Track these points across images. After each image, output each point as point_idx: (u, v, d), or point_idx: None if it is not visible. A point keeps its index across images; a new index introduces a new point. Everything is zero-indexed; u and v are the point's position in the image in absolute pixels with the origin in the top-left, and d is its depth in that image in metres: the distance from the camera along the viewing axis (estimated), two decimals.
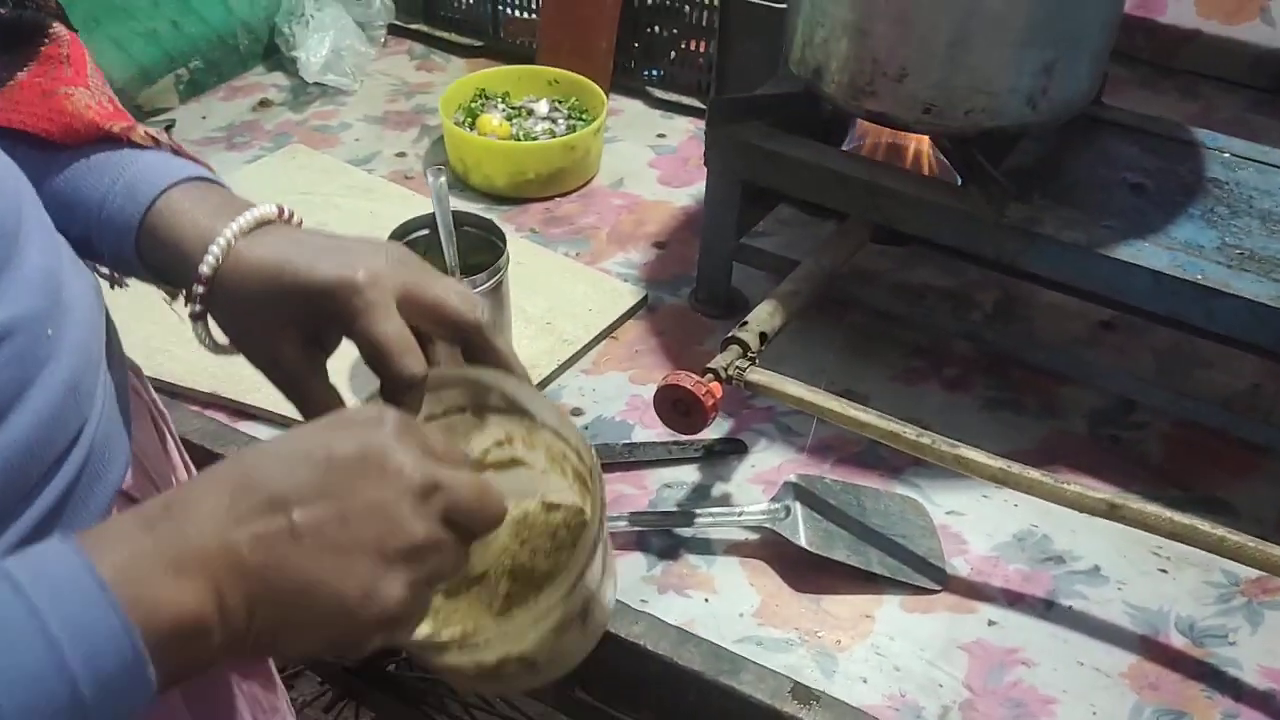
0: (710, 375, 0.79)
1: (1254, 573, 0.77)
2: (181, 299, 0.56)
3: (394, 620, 0.42)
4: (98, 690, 0.35)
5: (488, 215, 1.11)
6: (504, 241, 0.88)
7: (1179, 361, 0.97)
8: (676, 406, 0.77)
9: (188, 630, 0.38)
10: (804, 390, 0.78)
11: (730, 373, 0.79)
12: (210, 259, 0.52)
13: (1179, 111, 1.33)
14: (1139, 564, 0.80)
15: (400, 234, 0.88)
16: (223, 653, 0.39)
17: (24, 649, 0.34)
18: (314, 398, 0.54)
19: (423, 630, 0.48)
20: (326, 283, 0.50)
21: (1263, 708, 0.71)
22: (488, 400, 0.56)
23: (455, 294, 0.53)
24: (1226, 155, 0.91)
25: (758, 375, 0.79)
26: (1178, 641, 0.75)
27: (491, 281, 0.86)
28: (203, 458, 0.82)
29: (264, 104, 1.28)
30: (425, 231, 0.90)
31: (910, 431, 0.75)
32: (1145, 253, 0.80)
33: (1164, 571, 0.79)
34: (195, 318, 0.54)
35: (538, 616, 0.49)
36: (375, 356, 0.51)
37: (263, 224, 0.53)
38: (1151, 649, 0.74)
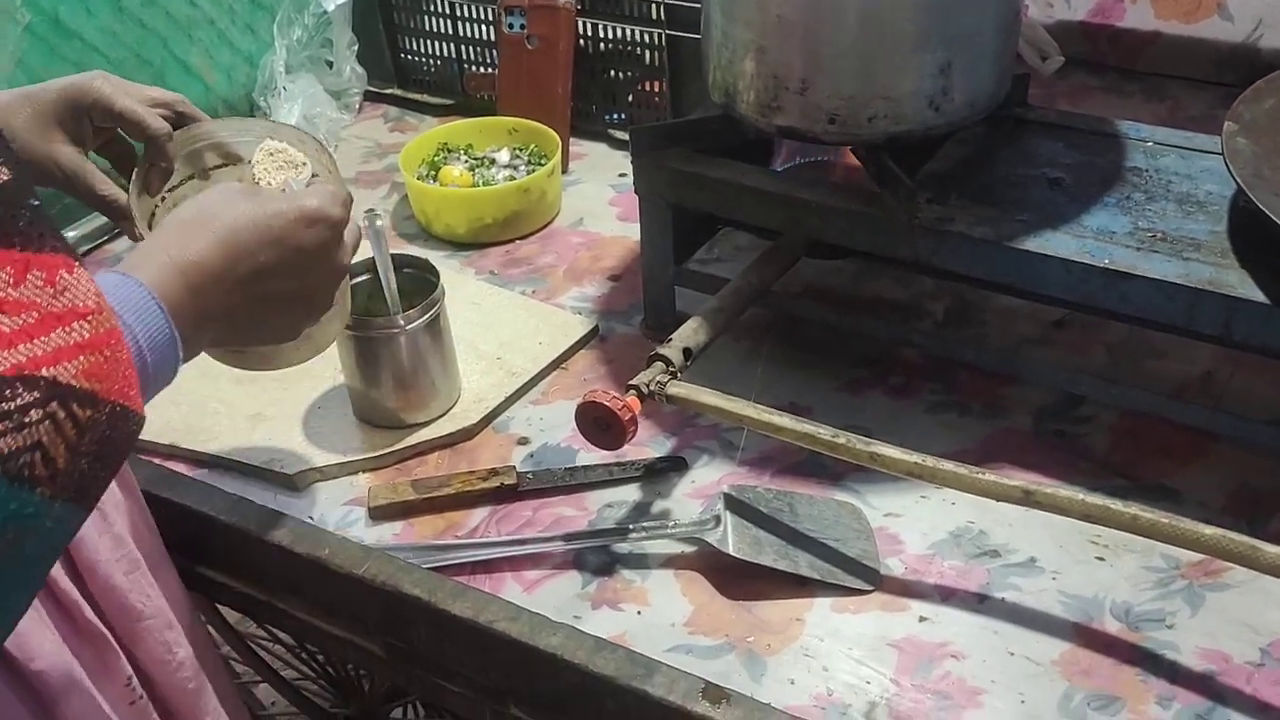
0: (631, 391, 0.80)
1: (1196, 556, 0.75)
2: None
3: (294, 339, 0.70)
4: (154, 354, 0.55)
5: (449, 260, 1.16)
6: (437, 277, 0.91)
7: (1131, 354, 0.96)
8: (597, 424, 0.79)
9: (200, 341, 0.61)
10: (721, 400, 0.79)
11: (651, 388, 0.81)
12: None
13: (1145, 112, 1.33)
14: (1076, 554, 0.79)
15: None
16: (205, 347, 0.63)
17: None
18: (93, 187, 0.77)
19: None
20: (78, 82, 0.76)
21: (1198, 688, 0.70)
22: (205, 164, 0.80)
23: (158, 89, 0.80)
24: (1150, 144, 0.92)
25: (677, 389, 0.81)
26: (1112, 627, 0.74)
27: (427, 316, 0.89)
28: (174, 515, 0.85)
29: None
30: (367, 276, 0.93)
31: (825, 433, 0.76)
32: (1054, 242, 0.80)
33: (1101, 559, 0.79)
34: None
35: None
36: (129, 126, 0.77)
37: None
38: (1085, 636, 0.74)
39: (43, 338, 0.44)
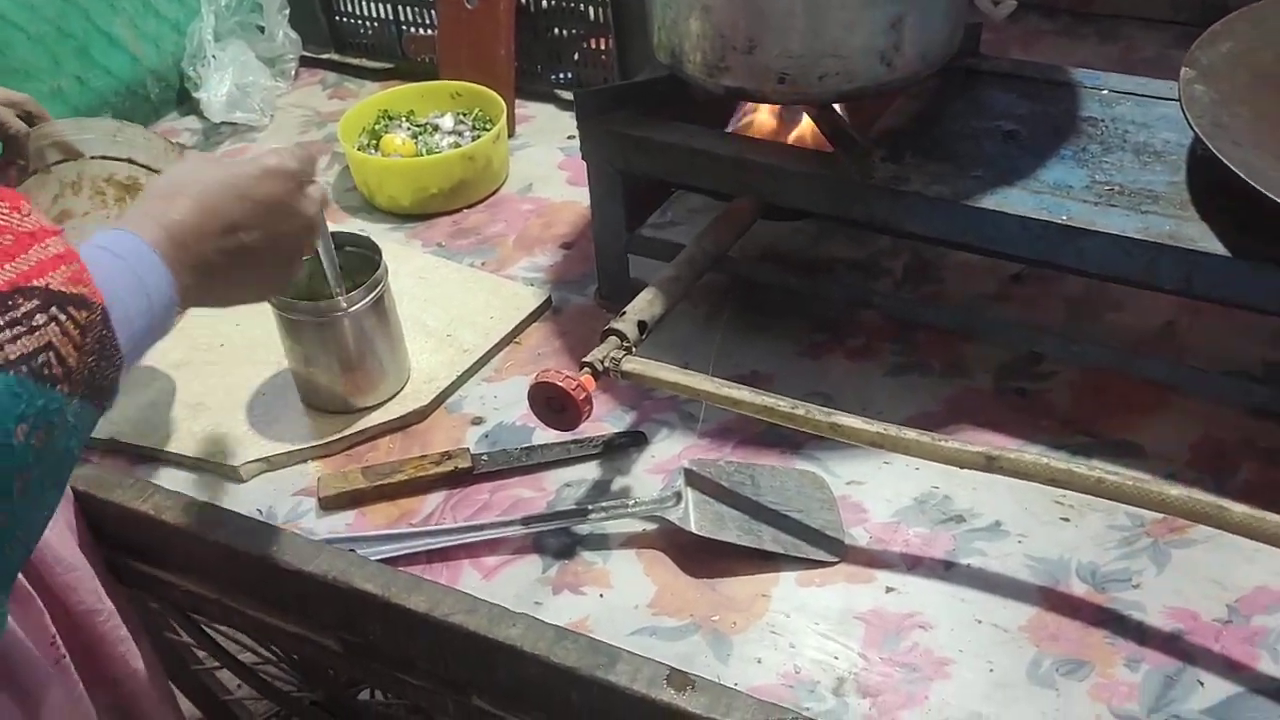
0: (586, 369, 0.78)
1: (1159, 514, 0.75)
2: None
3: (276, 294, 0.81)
4: (157, 297, 0.58)
5: (394, 233, 1.13)
6: (380, 255, 0.88)
7: (1090, 308, 0.95)
8: (550, 404, 0.77)
9: (188, 291, 0.61)
10: (678, 374, 0.77)
11: (606, 364, 0.78)
12: None
13: (1098, 55, 1.31)
14: (1041, 515, 0.78)
15: None
16: (193, 302, 0.64)
17: (125, 278, 0.57)
18: None
19: None
20: None
21: (1166, 649, 0.69)
22: (47, 159, 0.83)
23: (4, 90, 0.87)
24: (1105, 92, 0.90)
25: (632, 364, 0.78)
26: (1079, 589, 0.73)
27: (370, 296, 0.86)
28: (114, 515, 0.81)
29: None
30: (308, 258, 0.89)
31: (784, 404, 0.74)
32: (1011, 199, 0.78)
33: (1066, 520, 0.78)
34: None
35: None
36: None
37: None
38: (1051, 600, 0.73)
39: (23, 255, 0.49)
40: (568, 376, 0.75)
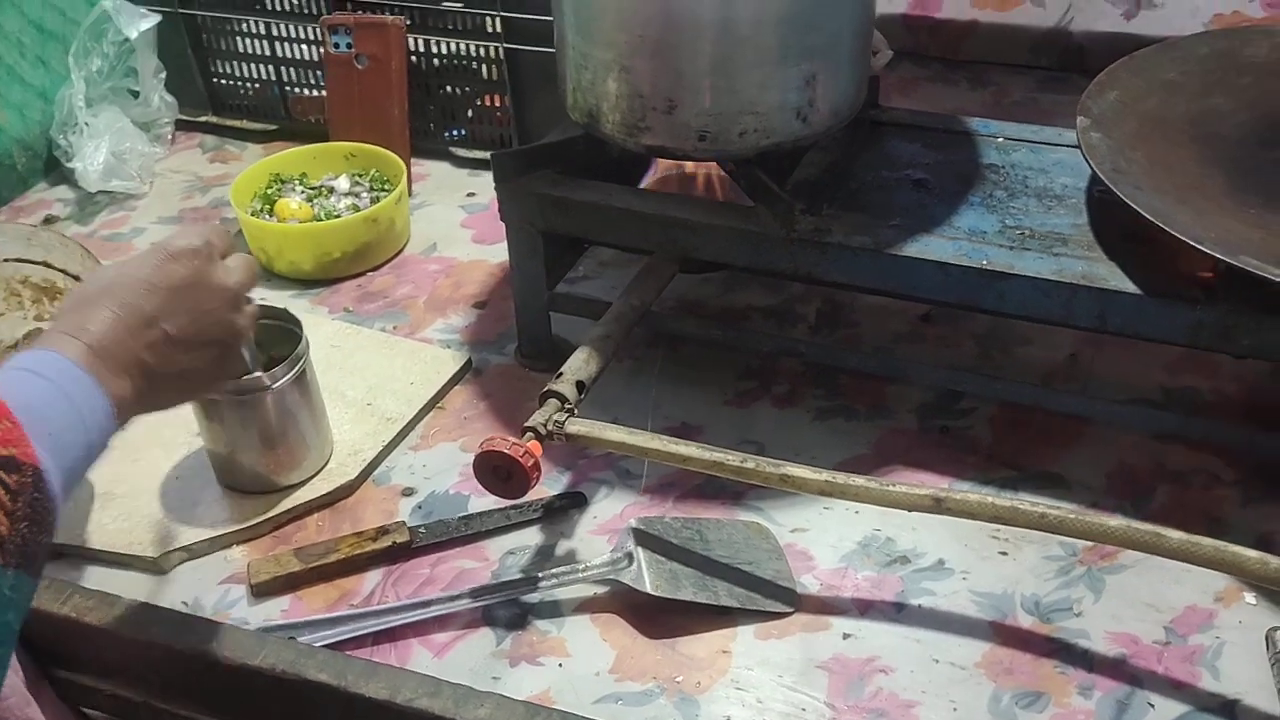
0: (529, 434, 0.77)
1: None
2: None
3: (226, 377, 0.72)
4: (90, 414, 0.57)
5: (298, 300, 1.09)
6: (300, 328, 0.85)
7: (998, 343, 0.99)
8: (497, 473, 0.75)
9: (124, 401, 0.60)
10: (624, 434, 0.77)
11: (549, 428, 0.77)
12: None
13: (971, 101, 1.37)
14: (980, 550, 0.81)
15: None
16: (135, 410, 0.61)
17: (52, 397, 0.55)
18: None
19: None
20: None
21: (1114, 674, 0.72)
22: None
23: None
24: (1000, 140, 0.94)
25: (576, 426, 0.78)
26: (1025, 621, 0.76)
27: (293, 372, 0.82)
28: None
29: (49, 220, 1.22)
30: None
31: (734, 459, 0.75)
32: (932, 247, 0.81)
33: (1004, 554, 0.80)
34: None
35: None
36: None
37: None
38: (1002, 634, 0.75)
39: None
40: (515, 444, 0.74)
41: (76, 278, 0.79)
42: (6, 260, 0.78)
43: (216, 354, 0.67)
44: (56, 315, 0.63)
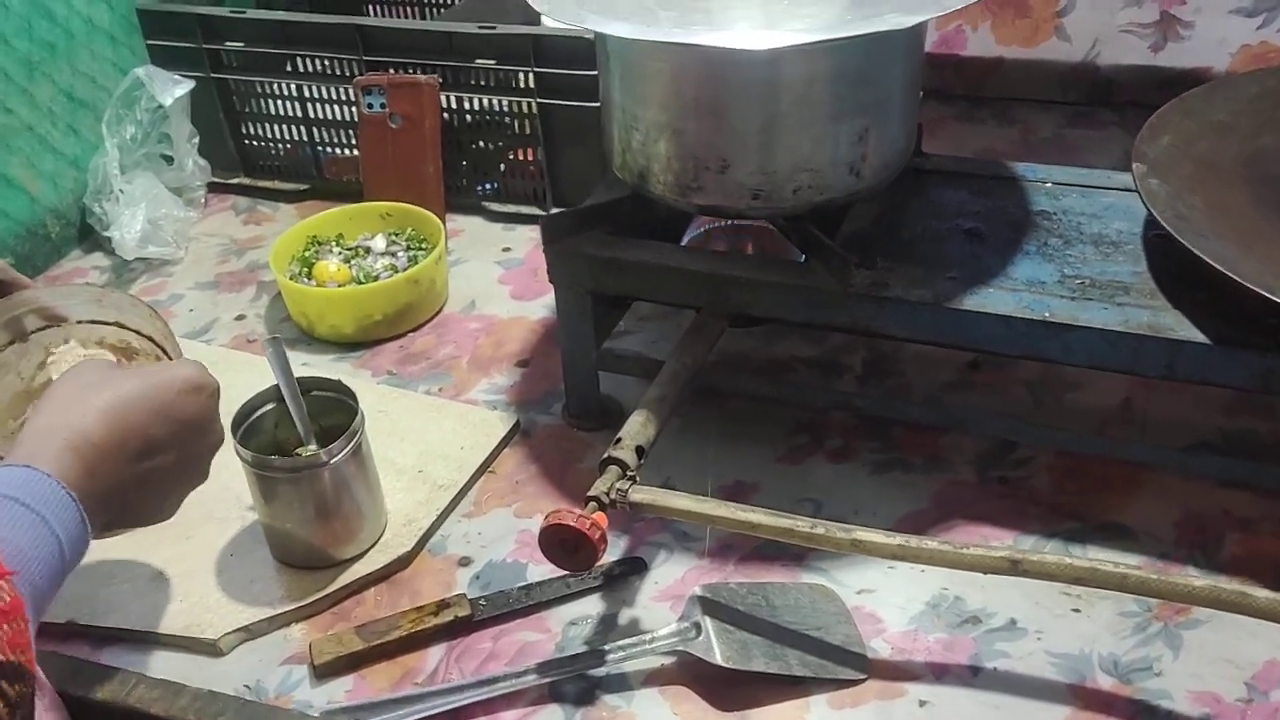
0: (592, 504, 0.76)
1: None
2: None
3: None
4: (71, 550, 0.56)
5: (339, 364, 1.09)
6: (356, 400, 0.84)
7: (1049, 389, 0.98)
8: (564, 546, 0.74)
9: (95, 527, 0.58)
10: (690, 502, 0.76)
11: (613, 496, 0.76)
12: None
13: (999, 138, 1.37)
14: (1052, 608, 0.79)
15: (244, 415, 0.83)
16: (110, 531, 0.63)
17: (41, 539, 0.54)
18: None
19: None
20: None
21: None
22: (26, 328, 0.76)
23: None
24: (1049, 185, 0.93)
25: (641, 494, 0.76)
26: (1105, 683, 0.74)
27: (350, 446, 0.82)
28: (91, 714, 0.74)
29: None
30: (272, 405, 0.85)
31: (804, 524, 0.73)
32: (992, 299, 0.80)
33: (1078, 611, 0.79)
34: None
35: None
36: None
37: None
38: (1082, 696, 0.73)
39: None
40: (580, 516, 0.73)
41: (150, 338, 0.78)
42: (79, 322, 0.77)
43: (183, 490, 0.67)
44: (49, 400, 0.61)
